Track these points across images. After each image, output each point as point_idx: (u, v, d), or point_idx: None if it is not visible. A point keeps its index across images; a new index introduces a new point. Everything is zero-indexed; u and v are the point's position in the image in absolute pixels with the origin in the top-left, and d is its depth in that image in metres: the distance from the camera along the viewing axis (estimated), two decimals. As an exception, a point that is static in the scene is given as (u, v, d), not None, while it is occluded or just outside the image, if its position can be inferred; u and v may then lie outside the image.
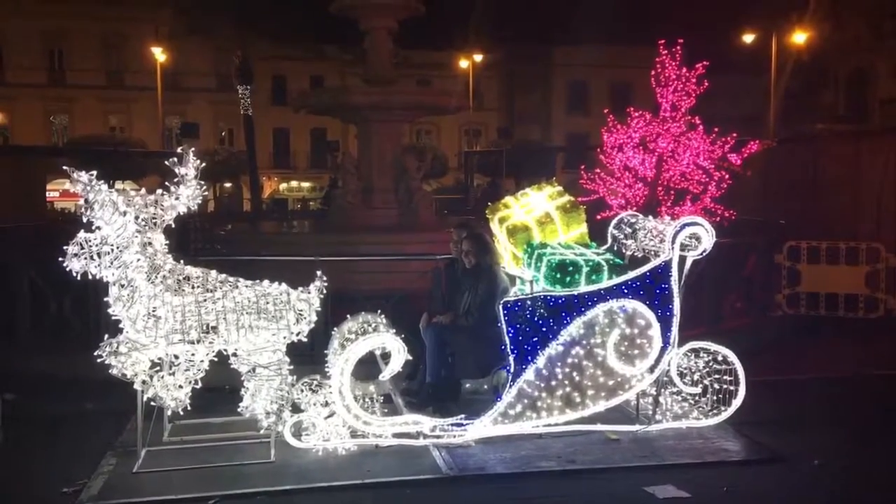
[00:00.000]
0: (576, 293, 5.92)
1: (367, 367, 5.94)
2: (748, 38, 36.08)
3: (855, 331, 10.10)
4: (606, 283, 6.01)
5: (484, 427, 5.84)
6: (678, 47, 11.96)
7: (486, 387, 6.62)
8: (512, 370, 5.86)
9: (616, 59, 44.09)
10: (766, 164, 13.75)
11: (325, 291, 5.72)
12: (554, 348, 5.85)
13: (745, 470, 5.54)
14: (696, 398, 6.30)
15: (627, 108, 12.99)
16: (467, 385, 6.73)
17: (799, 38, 33.37)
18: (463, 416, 5.90)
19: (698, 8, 38.21)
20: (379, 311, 6.08)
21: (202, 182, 5.54)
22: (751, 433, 6.06)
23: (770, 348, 8.93)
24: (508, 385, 5.87)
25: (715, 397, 6.20)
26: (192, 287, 5.43)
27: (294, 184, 47.29)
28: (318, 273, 5.75)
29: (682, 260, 6.03)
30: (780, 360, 8.58)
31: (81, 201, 5.32)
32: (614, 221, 6.83)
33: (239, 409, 5.72)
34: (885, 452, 5.97)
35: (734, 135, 12.19)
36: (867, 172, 12.38)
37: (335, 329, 6.04)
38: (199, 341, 5.44)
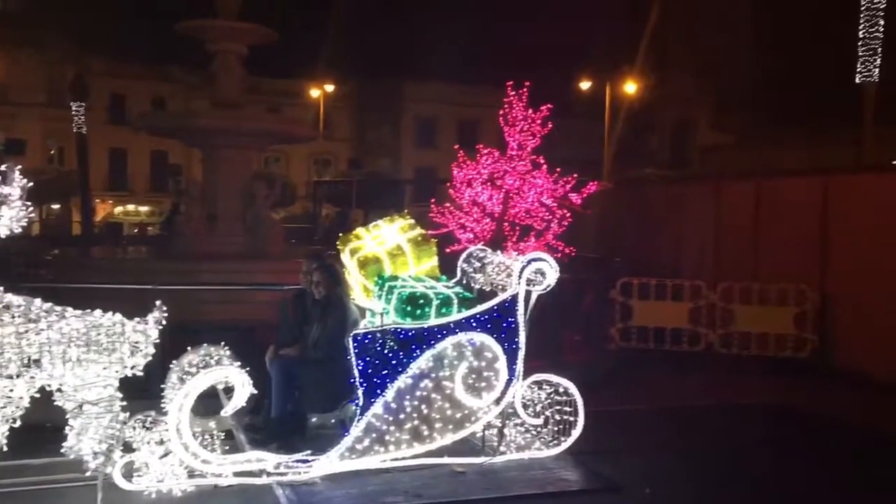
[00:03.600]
0: (426, 326, 5.96)
1: (209, 403, 5.67)
2: (585, 85, 38.26)
3: (680, 363, 10.80)
4: (456, 316, 6.09)
5: (330, 463, 5.72)
6: (525, 90, 12.47)
7: (333, 421, 6.50)
8: (360, 404, 5.79)
9: (464, 96, 45.46)
10: (603, 204, 14.54)
11: (164, 322, 5.41)
12: (403, 381, 5.84)
13: (584, 499, 5.74)
14: (539, 429, 6.48)
15: (477, 145, 13.36)
16: (314, 420, 6.58)
17: (629, 88, 35.80)
18: (309, 451, 5.75)
19: (542, 54, 40.14)
20: (223, 343, 5.82)
21: (28, 203, 5.12)
22: (589, 462, 6.30)
23: (606, 380, 9.37)
24: (356, 419, 5.79)
25: (556, 428, 6.41)
26: (13, 317, 4.99)
27: (131, 207, 44.87)
28: (157, 303, 5.45)
29: (528, 294, 6.23)
30: (615, 392, 9.01)
31: None
32: (464, 255, 6.96)
33: (63, 450, 5.28)
34: (711, 479, 6.39)
35: (575, 175, 12.82)
36: (689, 215, 13.38)
37: (174, 362, 5.73)
38: (18, 376, 4.99)
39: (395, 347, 5.85)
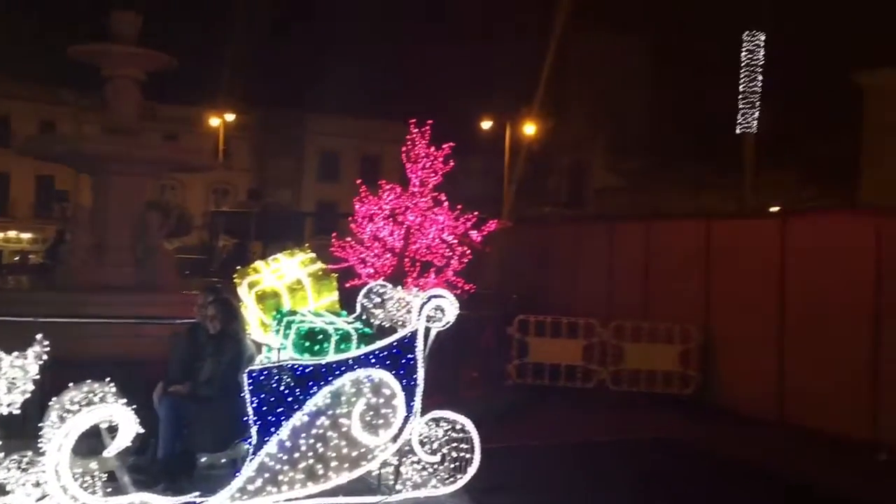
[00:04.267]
0: (324, 362, 5.89)
1: (91, 442, 5.39)
2: (486, 124, 39.10)
3: (574, 399, 11.05)
4: (355, 352, 6.05)
5: (220, 504, 5.52)
6: (427, 127, 12.65)
7: (224, 461, 6.28)
8: (254, 442, 5.64)
9: (368, 131, 45.63)
10: (502, 241, 14.84)
11: (44, 357, 5.13)
12: (299, 419, 5.73)
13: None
14: (435, 466, 6.47)
15: (379, 180, 13.41)
16: (203, 460, 6.34)
17: (529, 129, 36.83)
18: (197, 493, 5.53)
19: (445, 91, 40.85)
20: (108, 380, 5.56)
21: None
22: (485, 499, 6.34)
23: (503, 416, 9.48)
24: (249, 458, 5.63)
25: (453, 465, 6.42)
26: None
27: (12, 234, 42.43)
28: (38, 336, 5.16)
29: (428, 331, 6.25)
30: (512, 428, 9.12)
31: None
32: (364, 290, 6.93)
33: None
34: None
35: (476, 213, 13.05)
36: (584, 254, 13.81)
37: (55, 399, 5.43)
38: None
39: (292, 384, 5.74)
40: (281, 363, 5.89)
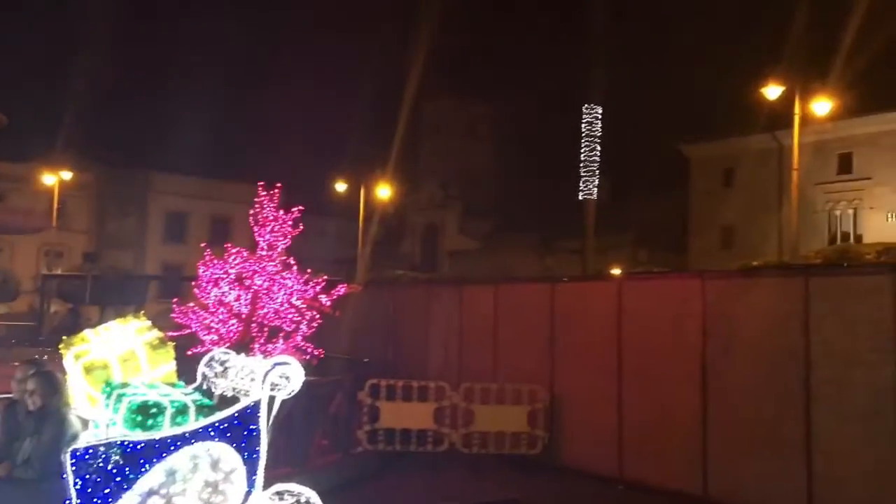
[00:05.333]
0: (157, 437, 5.54)
1: None
2: (341, 187, 39.21)
3: (426, 464, 11.00)
4: (192, 425, 5.74)
5: None
6: (276, 190, 12.48)
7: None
8: (77, 528, 5.18)
9: (216, 192, 44.47)
10: (354, 304, 14.74)
11: None
12: (129, 499, 5.33)
13: None
14: (280, 542, 6.19)
15: (226, 243, 13.03)
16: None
17: (383, 192, 37.24)
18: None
19: (298, 152, 40.71)
20: None
21: None
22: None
23: (352, 485, 9.27)
24: (72, 546, 5.16)
25: (298, 540, 6.16)
26: None
27: None
28: None
29: (272, 399, 6.05)
30: (361, 497, 8.93)
31: None
32: (205, 359, 6.62)
33: None
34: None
35: (325, 277, 12.90)
36: (435, 317, 13.96)
37: None
38: None
39: (121, 462, 5.34)
40: (109, 440, 5.49)
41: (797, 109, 20.00)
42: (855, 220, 31.91)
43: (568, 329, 11.70)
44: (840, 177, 32.36)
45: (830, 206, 32.72)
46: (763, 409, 9.09)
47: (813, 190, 31.89)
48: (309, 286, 12.62)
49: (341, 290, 12.77)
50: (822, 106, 20.92)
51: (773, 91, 20.49)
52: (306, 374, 6.20)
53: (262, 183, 12.51)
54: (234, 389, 6.32)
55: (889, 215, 30.47)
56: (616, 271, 22.47)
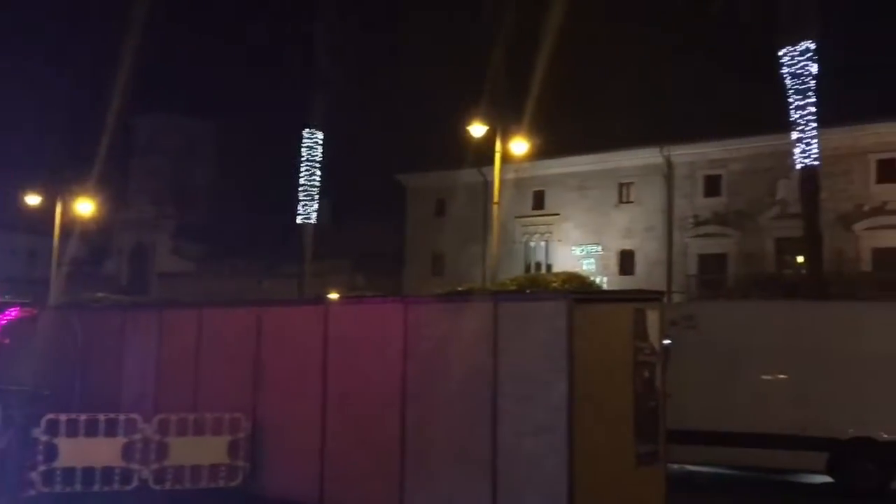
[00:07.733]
0: None
1: None
2: (34, 200, 35.36)
3: (112, 504, 10.07)
4: None
5: None
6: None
7: None
8: None
9: None
10: (39, 330, 13.20)
11: None
12: None
13: None
14: None
15: None
16: None
17: (85, 207, 34.16)
18: None
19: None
20: None
21: None
22: None
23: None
24: None
25: None
26: None
27: None
28: None
29: None
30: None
31: None
32: None
33: None
34: None
35: (-1, 300, 11.41)
36: (131, 344, 12.93)
37: None
38: None
39: None
40: None
41: (498, 147, 21.74)
42: (547, 251, 35.36)
43: (275, 355, 11.42)
44: (535, 212, 35.77)
45: (527, 238, 35.97)
46: (457, 427, 9.51)
47: (513, 223, 34.86)
48: (-24, 311, 11.06)
49: (12, 314, 11.36)
50: (519, 146, 22.95)
51: (477, 129, 22.09)
52: None
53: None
54: None
55: (575, 247, 34.17)
56: (333, 296, 22.57)
